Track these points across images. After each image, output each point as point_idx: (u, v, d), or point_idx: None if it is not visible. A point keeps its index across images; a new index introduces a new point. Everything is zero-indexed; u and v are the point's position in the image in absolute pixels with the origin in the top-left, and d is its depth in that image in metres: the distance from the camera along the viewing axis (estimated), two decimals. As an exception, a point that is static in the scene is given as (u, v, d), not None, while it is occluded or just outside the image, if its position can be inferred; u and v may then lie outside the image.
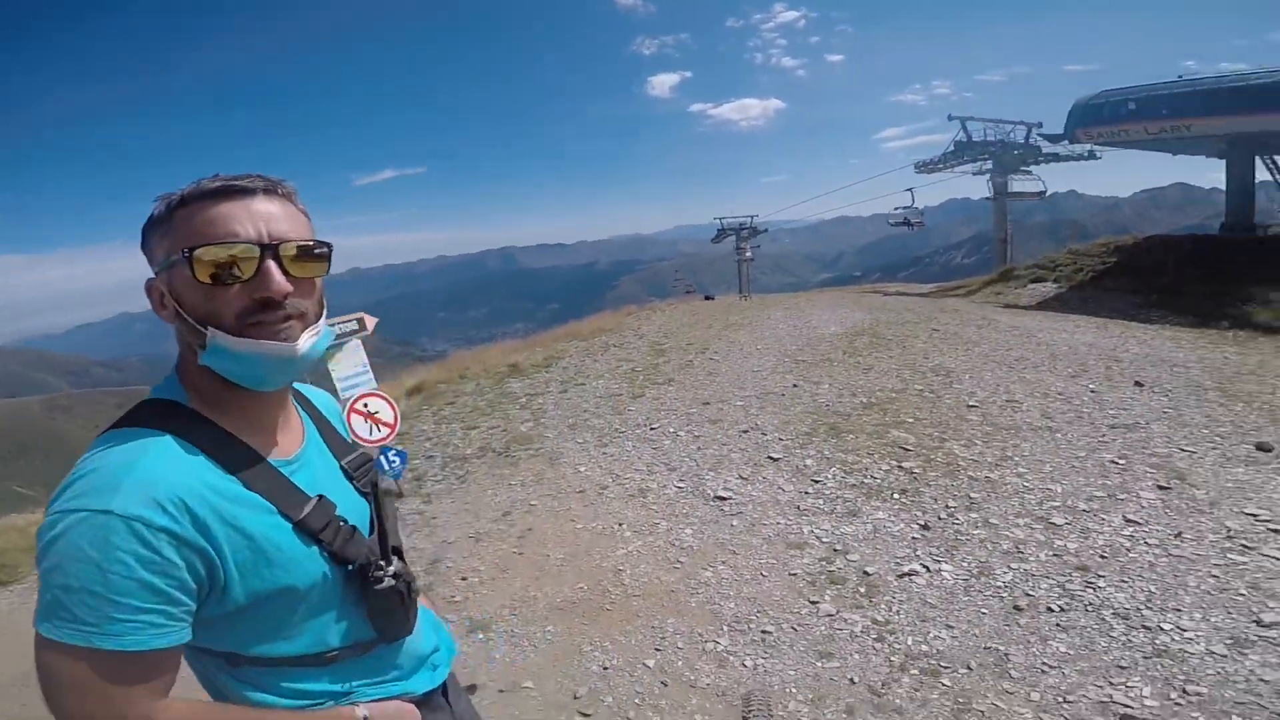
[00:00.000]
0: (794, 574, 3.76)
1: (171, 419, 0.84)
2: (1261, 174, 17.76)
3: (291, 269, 0.86)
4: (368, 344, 5.39)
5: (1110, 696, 2.60)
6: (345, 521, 0.93)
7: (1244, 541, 3.58)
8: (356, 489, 1.04)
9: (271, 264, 0.83)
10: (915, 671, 2.89)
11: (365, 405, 5.18)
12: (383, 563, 0.96)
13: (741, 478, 5.04)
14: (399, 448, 5.42)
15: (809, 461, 5.17)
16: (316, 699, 0.91)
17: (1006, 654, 2.93)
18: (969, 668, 2.87)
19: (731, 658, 3.12)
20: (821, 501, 4.56)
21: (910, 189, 27.39)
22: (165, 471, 0.77)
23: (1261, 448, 4.73)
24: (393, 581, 0.95)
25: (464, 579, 4.07)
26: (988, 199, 27.71)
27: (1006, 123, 26.87)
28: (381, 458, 5.22)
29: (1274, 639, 2.81)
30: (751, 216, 33.51)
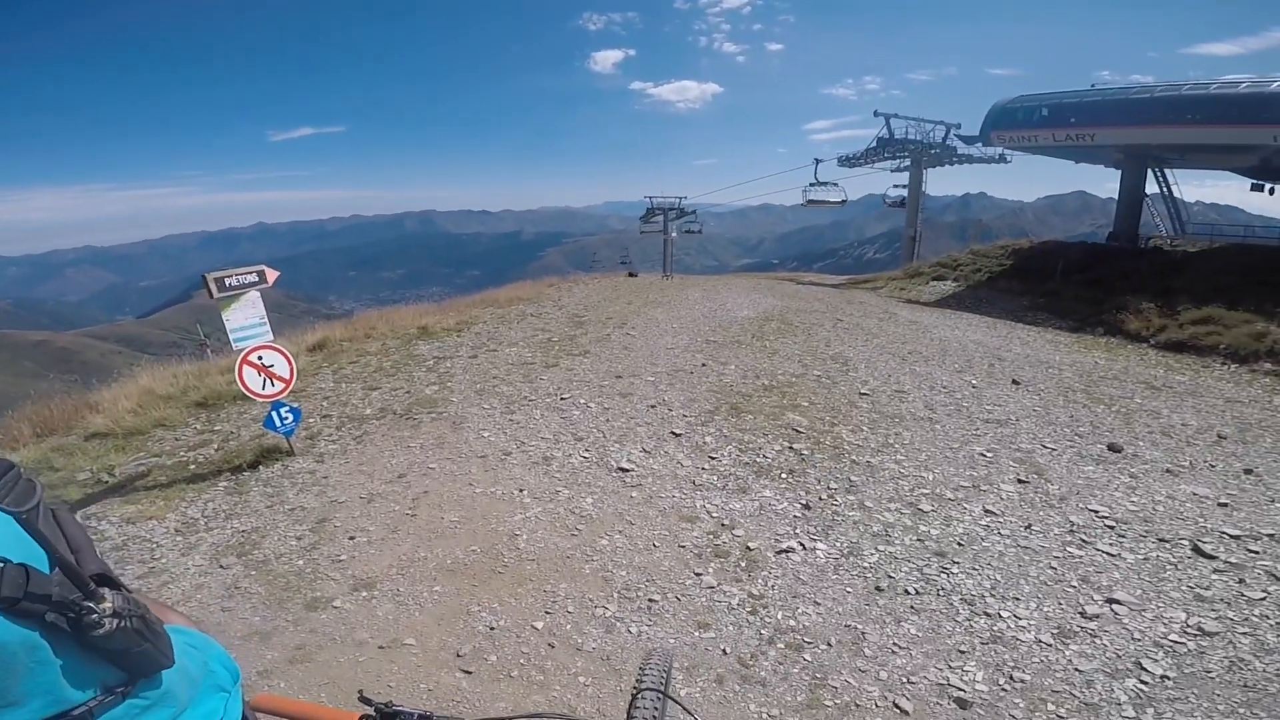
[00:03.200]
0: (683, 546, 3.88)
1: None
2: (1152, 186, 18.67)
3: None
4: (269, 298, 5.09)
5: (948, 680, 2.82)
6: (7, 562, 0.70)
7: (1083, 536, 3.95)
8: (6, 512, 0.77)
9: None
10: (781, 645, 3.06)
11: (260, 358, 4.91)
12: (90, 604, 0.73)
13: (645, 451, 5.14)
14: (293, 404, 5.17)
15: (709, 439, 5.33)
16: None
17: (864, 633, 3.13)
18: (829, 644, 3.06)
19: (619, 624, 3.20)
20: (716, 478, 4.72)
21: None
22: None
23: (1113, 448, 5.27)
24: (116, 622, 0.73)
25: (352, 538, 3.98)
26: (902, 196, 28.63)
27: (928, 122, 27.40)
28: (274, 414, 4.97)
29: (1093, 630, 3.12)
30: (680, 197, 33.63)
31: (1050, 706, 2.66)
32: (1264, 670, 2.84)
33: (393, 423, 5.78)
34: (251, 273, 5.02)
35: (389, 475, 4.80)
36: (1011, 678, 2.82)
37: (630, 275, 20.38)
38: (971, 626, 3.16)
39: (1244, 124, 14.12)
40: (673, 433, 5.44)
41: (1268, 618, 3.18)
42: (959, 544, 3.87)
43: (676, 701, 1.04)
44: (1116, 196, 18.83)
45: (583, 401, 6.16)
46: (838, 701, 2.71)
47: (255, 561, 3.79)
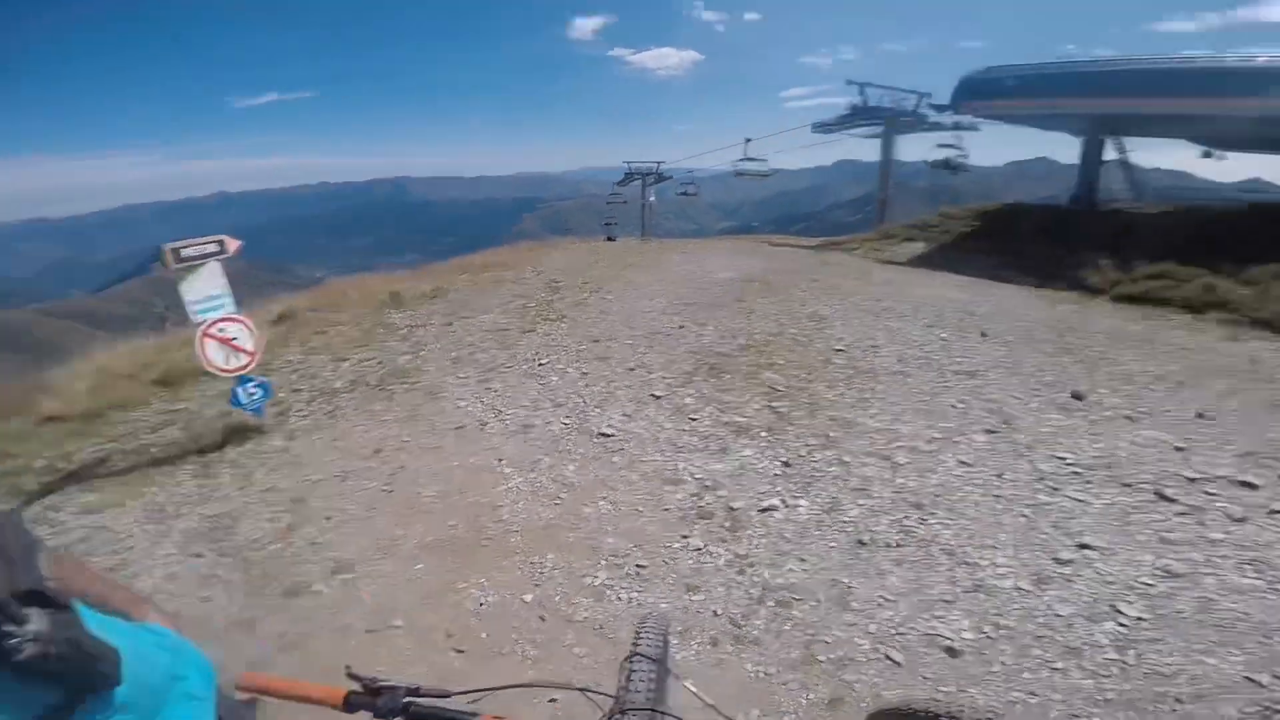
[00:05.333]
0: (668, 509, 3.88)
1: None
2: (1110, 154, 19.67)
3: None
4: (232, 269, 4.91)
5: (935, 630, 2.87)
6: None
7: (1052, 483, 4.03)
8: None
9: None
10: (771, 604, 3.08)
11: (222, 330, 4.75)
12: (9, 627, 0.68)
13: (625, 415, 5.12)
14: (261, 378, 5.04)
15: (688, 400, 5.33)
16: None
17: (850, 587, 3.16)
18: (818, 600, 3.09)
19: (609, 592, 3.19)
20: (696, 439, 4.72)
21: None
22: None
23: (1076, 396, 5.37)
24: (34, 647, 0.68)
25: (328, 519, 3.90)
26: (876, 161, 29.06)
27: (901, 91, 28.11)
28: (239, 390, 4.83)
29: (1068, 575, 3.19)
30: (659, 162, 33.74)
31: (1036, 651, 2.73)
32: (1233, 609, 2.93)
33: (366, 395, 5.68)
34: (211, 242, 4.83)
35: (364, 451, 4.72)
36: (997, 625, 2.88)
37: (609, 240, 20.17)
38: (953, 576, 3.22)
39: (1200, 96, 14.96)
40: (653, 395, 5.43)
41: (1229, 558, 3.30)
42: (935, 495, 3.94)
43: (669, 668, 1.03)
44: (1079, 162, 19.48)
45: (560, 366, 6.11)
46: (831, 656, 2.76)
47: (230, 548, 3.68)
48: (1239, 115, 14.45)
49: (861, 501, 3.89)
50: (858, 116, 28.52)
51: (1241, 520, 3.61)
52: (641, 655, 1.14)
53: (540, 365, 6.17)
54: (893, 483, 4.09)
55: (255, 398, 4.96)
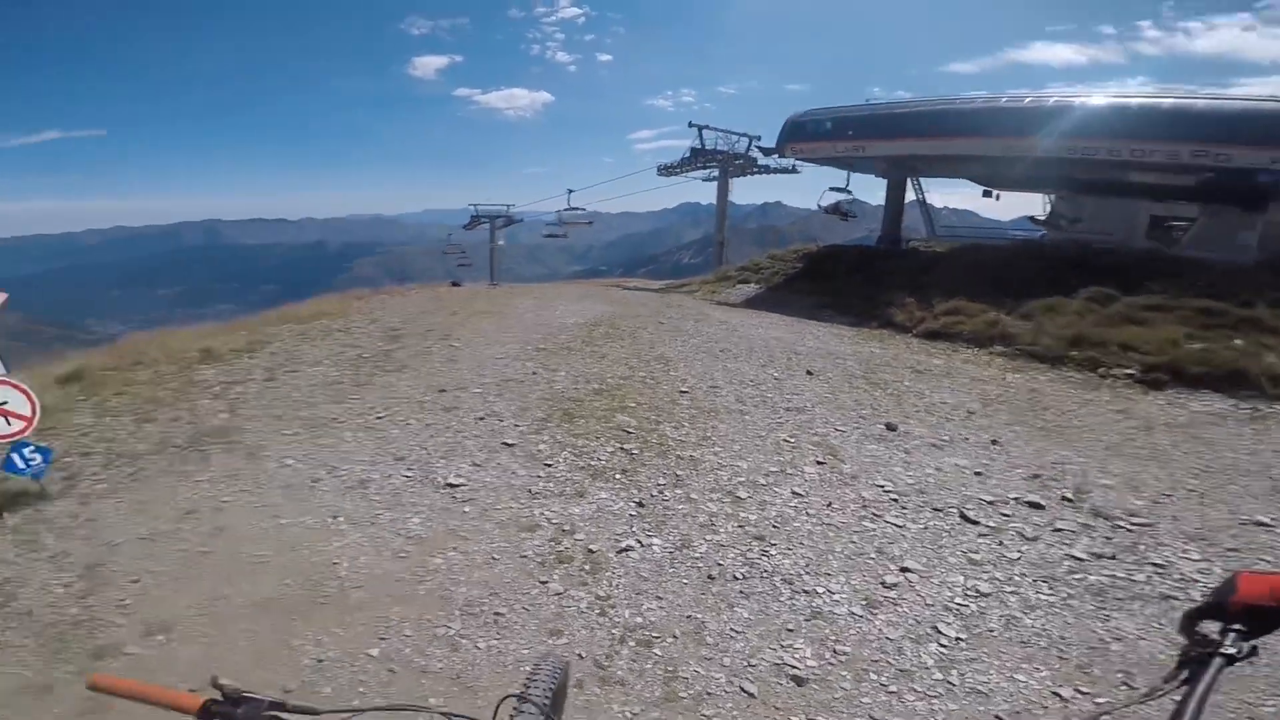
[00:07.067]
0: (525, 556, 3.84)
1: None
2: (912, 195, 21.42)
3: None
4: (4, 326, 4.17)
5: (782, 659, 3.02)
6: None
7: (874, 510, 4.41)
8: None
9: None
10: (632, 644, 3.13)
11: (-10, 395, 4.00)
12: None
13: (475, 464, 5.01)
14: (39, 443, 4.35)
15: (542, 446, 5.33)
16: None
17: (704, 622, 3.28)
18: (675, 636, 3.18)
19: (465, 641, 3.10)
20: (553, 484, 4.73)
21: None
22: None
23: (889, 427, 6.00)
24: None
25: (135, 581, 3.48)
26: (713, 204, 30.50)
27: (734, 133, 28.69)
28: (14, 455, 4.16)
29: (894, 599, 3.46)
30: (508, 205, 33.35)
31: (873, 676, 2.92)
32: (1033, 625, 3.28)
33: (175, 457, 5.05)
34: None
35: (175, 513, 4.22)
36: (835, 651, 3.07)
37: (454, 285, 19.67)
38: (794, 605, 3.42)
39: (979, 136, 16.64)
40: (504, 443, 5.37)
41: (1026, 575, 3.71)
42: (774, 526, 4.20)
43: (549, 717, 0.99)
44: (885, 203, 21.52)
45: (401, 419, 5.86)
46: (691, 692, 2.83)
47: (14, 614, 3.20)
48: (1012, 155, 16.20)
49: (709, 537, 4.05)
50: (696, 159, 29.07)
51: (1034, 539, 4.09)
52: (526, 698, 1.01)
53: (378, 419, 5.87)
54: (736, 517, 4.30)
55: (35, 463, 4.32)
